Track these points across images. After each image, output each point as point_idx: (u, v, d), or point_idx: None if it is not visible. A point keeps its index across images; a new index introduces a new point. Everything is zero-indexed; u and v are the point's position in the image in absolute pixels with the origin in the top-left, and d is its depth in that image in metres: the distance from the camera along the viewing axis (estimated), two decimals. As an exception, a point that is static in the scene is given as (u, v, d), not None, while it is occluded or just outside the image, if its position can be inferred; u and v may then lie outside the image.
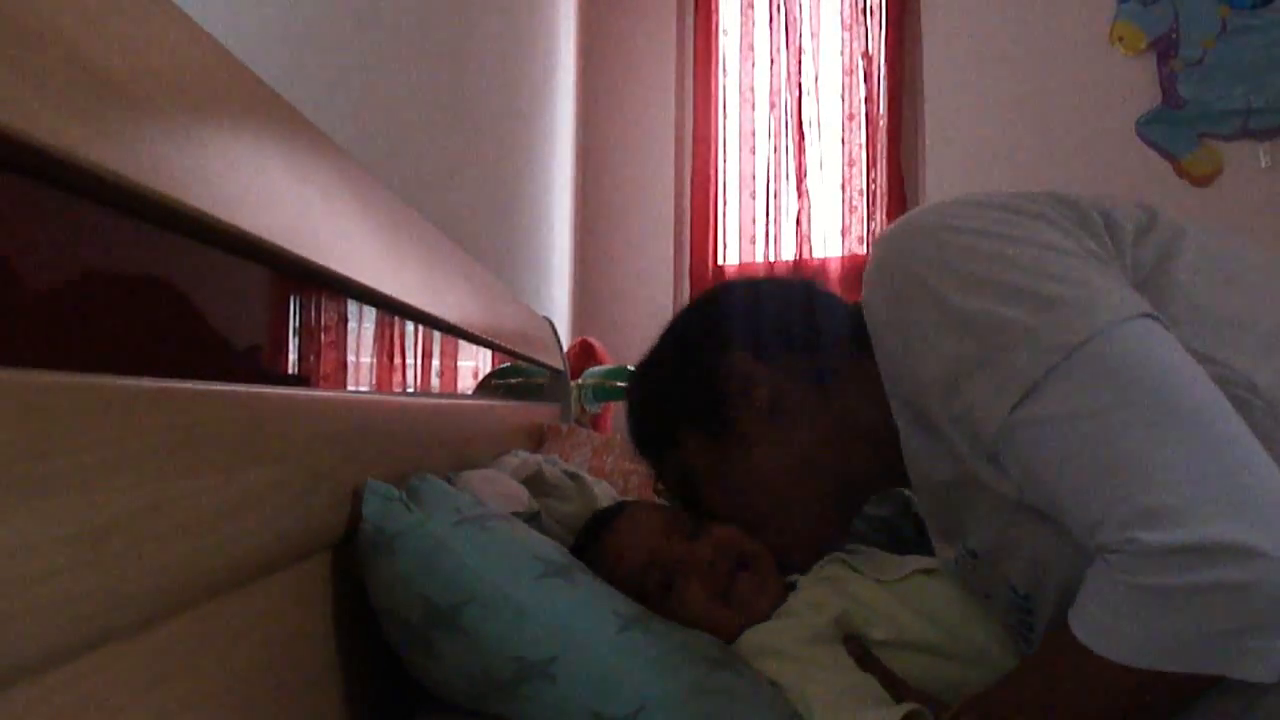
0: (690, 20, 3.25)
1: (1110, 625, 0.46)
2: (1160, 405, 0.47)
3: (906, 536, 0.99)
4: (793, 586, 0.74)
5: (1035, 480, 0.51)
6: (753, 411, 0.70)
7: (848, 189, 3.01)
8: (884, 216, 2.95)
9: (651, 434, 0.79)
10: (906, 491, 1.03)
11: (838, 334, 0.70)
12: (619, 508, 0.83)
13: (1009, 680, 0.54)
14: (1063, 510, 0.49)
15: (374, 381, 1.08)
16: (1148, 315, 0.51)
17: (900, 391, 0.61)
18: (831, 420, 0.69)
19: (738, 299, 0.78)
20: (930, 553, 0.72)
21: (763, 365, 0.70)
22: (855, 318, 0.67)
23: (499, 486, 0.89)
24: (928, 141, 2.83)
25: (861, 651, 0.65)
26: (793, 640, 0.65)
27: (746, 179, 3.12)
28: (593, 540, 0.78)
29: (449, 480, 0.78)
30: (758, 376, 0.70)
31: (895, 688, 0.62)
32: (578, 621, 0.59)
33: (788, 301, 0.75)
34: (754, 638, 0.67)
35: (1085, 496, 0.48)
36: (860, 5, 3.02)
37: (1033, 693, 0.51)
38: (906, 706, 0.57)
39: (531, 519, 0.86)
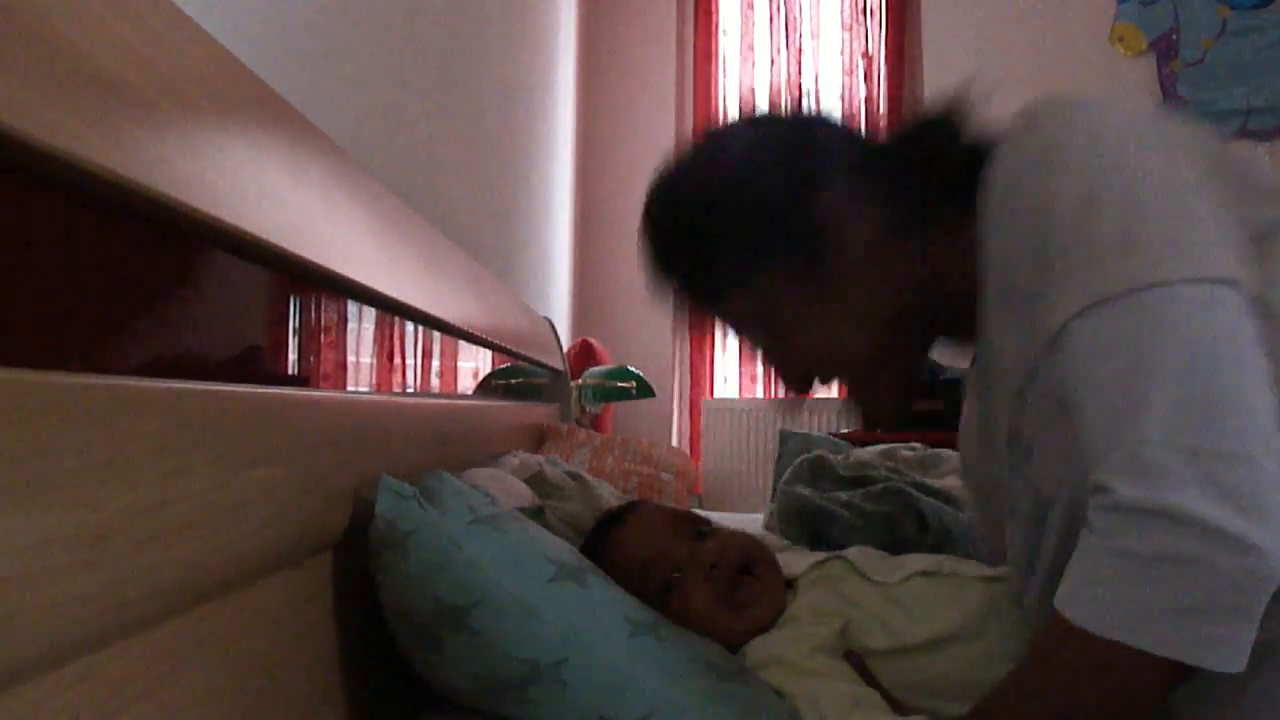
0: (690, 20, 3.25)
1: (1082, 591, 0.48)
2: (1191, 372, 0.48)
3: (906, 535, 1.00)
4: (789, 585, 0.74)
5: (1066, 391, 0.52)
6: (842, 253, 0.65)
7: (848, 189, 3.01)
8: (884, 216, 2.94)
9: (709, 271, 0.71)
10: (907, 489, 1.04)
11: (932, 183, 0.67)
12: (629, 506, 0.83)
13: (1009, 674, 0.55)
14: (1078, 430, 0.51)
15: (374, 381, 1.08)
16: (1227, 282, 0.50)
17: (999, 250, 0.60)
18: (920, 265, 0.66)
19: (817, 137, 0.71)
20: (929, 552, 0.72)
21: (854, 205, 0.66)
22: (960, 164, 0.65)
23: (503, 484, 0.89)
24: (928, 141, 2.83)
25: (860, 667, 0.66)
26: (798, 651, 0.65)
27: (746, 179, 3.11)
28: (602, 536, 0.78)
29: (450, 480, 0.78)
30: (849, 216, 0.65)
31: (891, 704, 0.63)
32: (589, 626, 0.59)
33: (880, 153, 0.70)
34: (760, 648, 0.68)
35: (1096, 428, 0.49)
36: (860, 5, 3.01)
37: (1028, 681, 0.52)
38: (917, 718, 0.57)
39: (535, 515, 0.87)
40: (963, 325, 0.65)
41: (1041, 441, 0.58)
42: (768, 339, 0.70)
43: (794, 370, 0.70)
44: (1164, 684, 0.47)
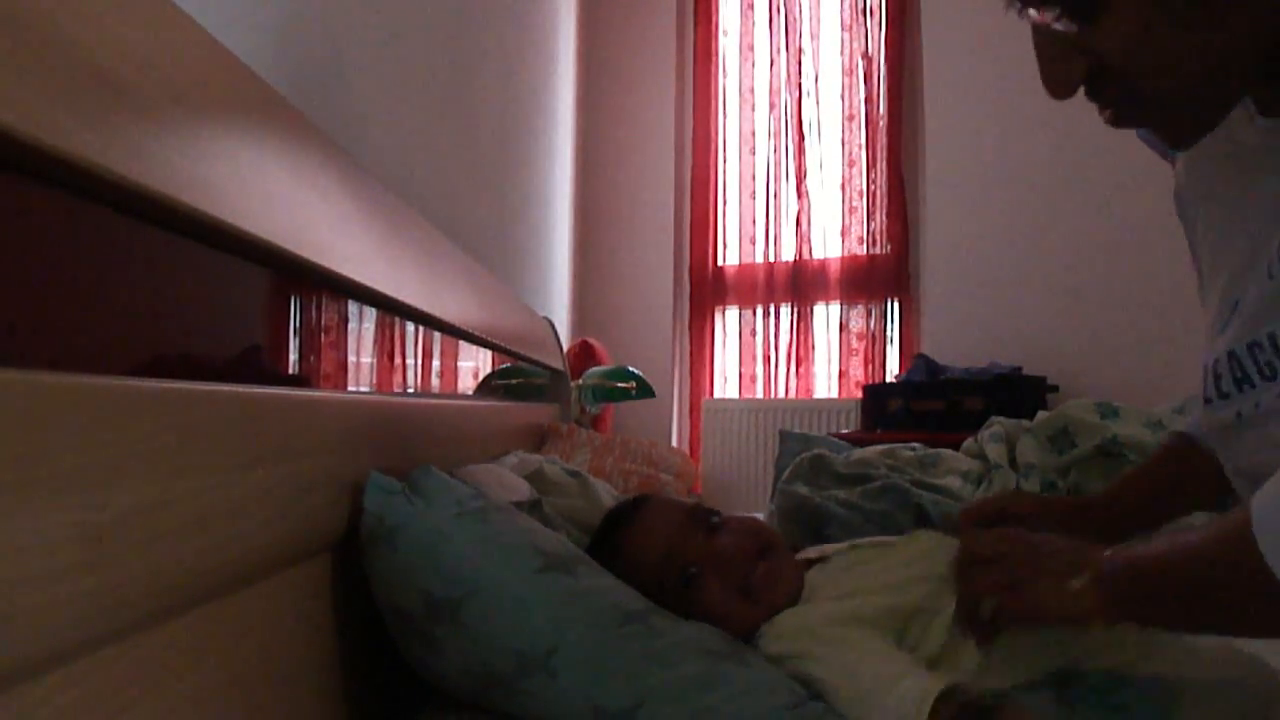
0: (690, 20, 3.25)
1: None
2: None
3: (904, 530, 1.00)
4: (810, 566, 0.75)
5: None
6: None
7: (848, 189, 3.01)
8: (884, 216, 2.94)
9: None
10: (905, 485, 1.04)
11: None
12: (638, 502, 0.83)
13: (1166, 552, 0.52)
14: None
15: (374, 381, 1.08)
16: None
17: None
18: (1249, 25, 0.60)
19: None
20: None
21: None
22: None
23: (500, 478, 0.89)
24: (928, 141, 2.83)
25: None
26: (825, 620, 0.66)
27: (746, 180, 3.12)
28: (612, 534, 0.78)
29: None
30: None
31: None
32: (578, 615, 0.59)
33: None
34: (788, 619, 0.68)
35: None
36: (860, 5, 3.01)
37: (1186, 574, 0.50)
38: (949, 678, 0.56)
39: (533, 508, 0.86)
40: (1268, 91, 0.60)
41: None
42: (1123, 54, 0.62)
43: (1117, 88, 0.62)
44: None
